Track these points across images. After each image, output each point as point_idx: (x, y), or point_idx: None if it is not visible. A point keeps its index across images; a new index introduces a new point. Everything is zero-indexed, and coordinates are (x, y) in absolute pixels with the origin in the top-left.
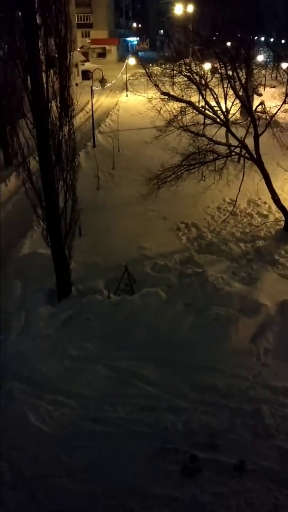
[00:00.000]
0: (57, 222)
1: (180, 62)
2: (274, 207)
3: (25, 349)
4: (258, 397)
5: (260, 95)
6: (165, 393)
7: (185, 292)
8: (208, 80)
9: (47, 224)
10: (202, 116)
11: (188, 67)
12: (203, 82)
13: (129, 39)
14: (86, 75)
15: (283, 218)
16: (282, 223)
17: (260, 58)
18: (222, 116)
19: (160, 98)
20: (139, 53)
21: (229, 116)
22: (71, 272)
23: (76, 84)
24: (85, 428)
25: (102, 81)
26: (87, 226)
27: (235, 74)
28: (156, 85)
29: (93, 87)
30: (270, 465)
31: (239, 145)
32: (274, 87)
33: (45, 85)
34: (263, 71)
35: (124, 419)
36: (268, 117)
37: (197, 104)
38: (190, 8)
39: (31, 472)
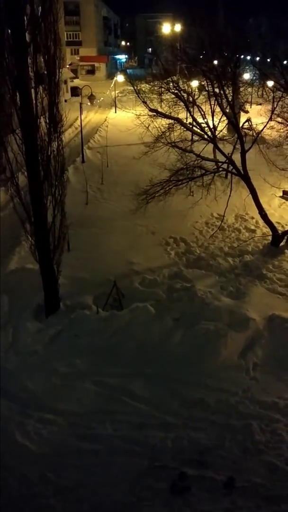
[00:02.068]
0: (46, 237)
1: (168, 79)
2: (261, 222)
3: (12, 365)
4: (248, 412)
5: (247, 112)
6: (154, 409)
7: (174, 307)
8: (195, 97)
9: (36, 239)
10: (190, 133)
11: (175, 85)
12: (191, 99)
13: (117, 56)
14: (75, 91)
15: (271, 233)
16: (270, 238)
17: (247, 76)
18: (209, 133)
19: (148, 115)
20: (128, 70)
21: (217, 132)
22: (60, 287)
23: (65, 101)
24: (73, 446)
25: (91, 98)
26: (75, 241)
27: (221, 92)
28: (144, 102)
29: (82, 104)
30: (260, 482)
31: (227, 161)
32: (260, 104)
33: (34, 101)
34: (249, 89)
35: (113, 436)
36: (254, 133)
37: (184, 121)
38: (178, 27)
39: (18, 493)
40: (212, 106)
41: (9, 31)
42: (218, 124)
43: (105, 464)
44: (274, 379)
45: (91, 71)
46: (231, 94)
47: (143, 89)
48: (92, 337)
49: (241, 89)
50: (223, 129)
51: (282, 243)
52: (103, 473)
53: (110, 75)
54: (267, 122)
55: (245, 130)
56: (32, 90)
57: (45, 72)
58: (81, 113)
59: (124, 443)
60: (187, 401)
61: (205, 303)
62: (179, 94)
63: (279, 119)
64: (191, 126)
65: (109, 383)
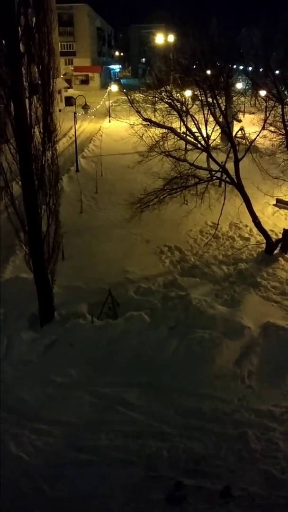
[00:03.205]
0: (40, 246)
1: (161, 89)
2: (255, 230)
3: (7, 376)
4: (243, 420)
5: (240, 121)
6: (150, 418)
7: (169, 315)
8: (189, 106)
9: (30, 249)
10: (184, 142)
11: (169, 94)
12: (184, 108)
13: (111, 66)
14: (69, 101)
15: (264, 241)
16: (264, 245)
17: (239, 85)
18: (203, 142)
19: (142, 124)
20: (122, 80)
21: (210, 141)
22: (54, 297)
23: (60, 110)
24: (69, 457)
25: (85, 107)
26: (70, 250)
27: (215, 101)
28: (138, 112)
29: (76, 113)
30: (257, 491)
31: (220, 169)
32: (253, 113)
33: (28, 111)
34: (242, 98)
35: (109, 447)
36: (247, 142)
37: (178, 130)
38: (171, 38)
39: (12, 505)
40: (206, 115)
41: (3, 41)
42: (211, 133)
43: (101, 475)
44: (269, 387)
45: (85, 81)
46: (224, 104)
47: (137, 99)
48: (87, 347)
49: (234, 98)
50: (216, 138)
51: (276, 251)
52: (99, 484)
53: (104, 85)
54: (260, 131)
55: (238, 139)
56: (26, 100)
57: (39, 82)
58: (75, 123)
59: (120, 453)
60: (182, 410)
61: (200, 312)
62: (172, 103)
63: (272, 128)
64: (184, 135)
65: (104, 392)
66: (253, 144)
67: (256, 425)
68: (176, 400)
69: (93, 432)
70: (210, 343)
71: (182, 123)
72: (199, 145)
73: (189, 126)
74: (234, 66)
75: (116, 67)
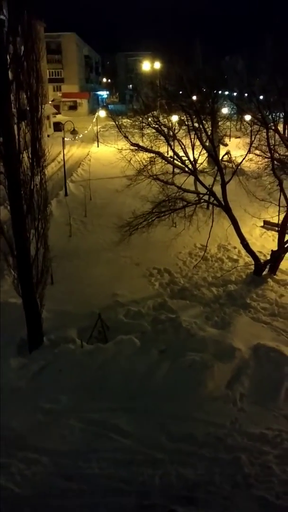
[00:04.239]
0: (29, 271)
1: (148, 114)
2: (243, 251)
3: None
4: (236, 445)
5: (226, 145)
6: (141, 445)
7: (159, 339)
8: (175, 131)
9: (18, 273)
10: (171, 165)
11: (156, 120)
12: (171, 133)
13: (99, 93)
14: (58, 126)
15: (253, 263)
16: (252, 267)
17: (225, 110)
18: (190, 165)
19: (130, 149)
20: (109, 106)
21: (197, 165)
22: (43, 321)
23: (48, 136)
24: (58, 486)
25: (74, 133)
26: (59, 274)
27: (201, 126)
28: (126, 137)
29: (65, 138)
30: None
31: (207, 192)
32: (239, 137)
33: (17, 137)
34: (228, 123)
35: (100, 475)
36: (234, 165)
37: (166, 154)
38: (157, 65)
39: None
40: (192, 139)
41: None
42: (198, 157)
43: (92, 505)
44: (261, 410)
45: (74, 107)
46: (210, 128)
47: (125, 124)
48: (76, 372)
49: (220, 123)
50: (203, 161)
51: (264, 272)
52: None
53: (92, 111)
54: (246, 155)
55: (225, 162)
56: (15, 126)
57: (28, 108)
58: (63, 148)
59: (111, 482)
60: (174, 435)
61: (190, 334)
62: (159, 128)
63: (257, 152)
64: (172, 159)
65: (95, 419)
66: (239, 167)
67: (249, 449)
68: (168, 425)
69: (83, 460)
70: (201, 366)
71: (169, 148)
72: (186, 169)
73: (176, 150)
74: (219, 92)
75: (104, 93)
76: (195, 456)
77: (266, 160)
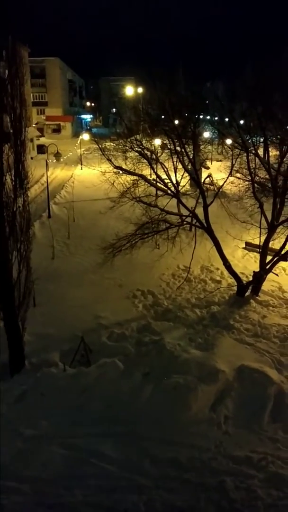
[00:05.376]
0: (11, 294)
1: (131, 138)
2: (226, 273)
3: None
4: (221, 468)
5: (208, 168)
6: (125, 470)
7: (143, 361)
8: (158, 154)
9: (0, 296)
10: (154, 188)
11: (139, 143)
12: (154, 156)
13: (83, 116)
14: (42, 149)
15: (236, 284)
16: (235, 288)
17: (206, 134)
18: (173, 188)
19: (113, 172)
20: (93, 129)
21: (180, 187)
22: (25, 345)
23: (32, 158)
24: None
25: (57, 155)
26: (41, 296)
27: (183, 150)
28: (109, 160)
29: (48, 161)
30: None
31: (190, 214)
32: (220, 161)
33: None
34: (209, 147)
35: (82, 503)
36: (215, 188)
37: (149, 177)
38: (140, 89)
39: None
40: (175, 163)
41: None
42: (181, 179)
43: None
44: (246, 432)
45: (57, 130)
46: (192, 152)
47: (108, 147)
48: (58, 396)
49: (201, 147)
50: (186, 184)
51: (247, 293)
52: None
53: (76, 134)
54: (227, 178)
55: (207, 185)
56: None
57: (11, 131)
58: (47, 170)
59: (94, 510)
60: (158, 460)
61: (174, 356)
62: (142, 152)
63: (238, 175)
64: (155, 182)
65: (77, 444)
66: (221, 190)
67: (235, 473)
68: (152, 450)
69: (65, 487)
70: (185, 388)
71: (152, 170)
72: (169, 191)
73: (159, 173)
74: (201, 116)
75: (87, 117)
76: (180, 481)
77: (247, 183)
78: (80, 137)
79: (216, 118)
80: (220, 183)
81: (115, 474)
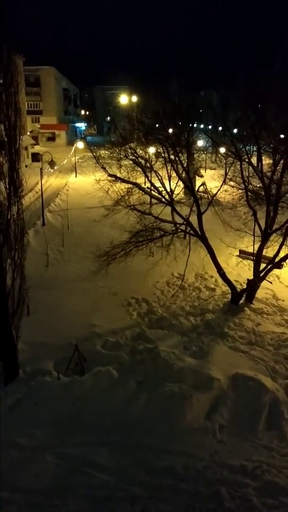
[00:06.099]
0: (4, 302)
1: (126, 146)
2: (220, 280)
3: None
4: (216, 477)
5: (202, 176)
6: (120, 480)
7: (137, 370)
8: (152, 163)
9: None
10: (148, 196)
11: (133, 151)
12: (148, 165)
13: (77, 124)
14: (36, 157)
15: (230, 291)
16: (229, 296)
17: (200, 143)
18: (167, 196)
19: (107, 180)
20: (87, 137)
21: (174, 195)
22: (19, 353)
23: (26, 166)
24: None
25: (52, 163)
26: (35, 304)
27: (177, 158)
28: (104, 168)
29: (43, 169)
30: None
31: (184, 222)
32: (214, 169)
33: None
34: (203, 155)
35: None
36: (209, 196)
37: (143, 185)
38: (134, 98)
39: None
40: (169, 171)
41: None
42: (175, 187)
43: None
44: (240, 441)
45: (52, 138)
46: (186, 160)
47: (103, 156)
48: (53, 405)
49: (195, 155)
50: (180, 192)
51: (241, 301)
52: None
53: (71, 142)
54: (221, 186)
55: (201, 193)
56: None
57: (6, 139)
58: (41, 178)
59: None
60: (153, 469)
61: (168, 365)
62: (136, 160)
63: (232, 183)
64: (149, 190)
65: (71, 454)
66: (214, 198)
67: (229, 482)
68: (147, 459)
69: (59, 498)
70: (179, 397)
71: (146, 179)
72: (163, 199)
73: (153, 181)
74: (195, 125)
75: (82, 125)
76: (175, 490)
77: (240, 191)
78: (75, 145)
79: (210, 127)
80: (214, 191)
81: (109, 484)
